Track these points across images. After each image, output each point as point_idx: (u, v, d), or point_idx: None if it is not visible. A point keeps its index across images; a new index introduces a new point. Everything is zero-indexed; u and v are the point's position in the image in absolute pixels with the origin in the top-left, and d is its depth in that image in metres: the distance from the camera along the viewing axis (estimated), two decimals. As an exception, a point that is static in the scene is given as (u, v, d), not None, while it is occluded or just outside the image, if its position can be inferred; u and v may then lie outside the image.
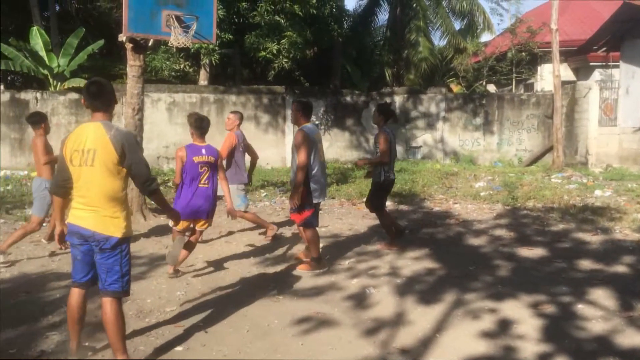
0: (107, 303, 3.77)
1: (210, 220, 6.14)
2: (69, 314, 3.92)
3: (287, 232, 8.54)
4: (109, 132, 3.72)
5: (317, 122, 16.96)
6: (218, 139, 15.33)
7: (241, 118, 7.99)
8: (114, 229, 3.73)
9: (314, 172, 6.19)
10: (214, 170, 6.02)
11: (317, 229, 6.51)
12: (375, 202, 7.40)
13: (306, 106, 6.41)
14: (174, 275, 6.09)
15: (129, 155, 3.74)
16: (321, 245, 7.56)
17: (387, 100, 17.37)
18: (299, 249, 7.39)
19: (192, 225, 6.01)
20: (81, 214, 3.75)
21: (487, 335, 4.55)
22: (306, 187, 6.17)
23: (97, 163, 3.68)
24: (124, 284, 3.84)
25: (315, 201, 6.27)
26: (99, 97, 3.85)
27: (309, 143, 6.07)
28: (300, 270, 6.36)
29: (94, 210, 3.72)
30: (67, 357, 4.02)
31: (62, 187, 3.88)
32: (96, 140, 3.70)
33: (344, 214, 9.96)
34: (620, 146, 16.38)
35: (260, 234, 8.16)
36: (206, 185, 5.94)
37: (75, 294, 3.91)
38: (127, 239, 3.86)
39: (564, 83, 16.66)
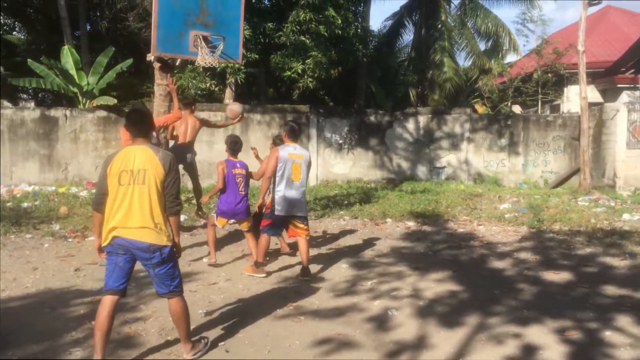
0: (178, 301, 4.30)
1: (250, 218, 7.52)
2: (98, 324, 4.08)
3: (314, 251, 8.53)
4: (157, 153, 4.22)
5: (340, 142, 17.00)
6: (243, 156, 15.38)
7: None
8: (166, 239, 4.17)
9: (278, 187, 6.85)
10: (247, 179, 7.48)
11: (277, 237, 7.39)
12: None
13: (291, 129, 7.07)
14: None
15: (171, 174, 4.23)
16: (344, 265, 7.59)
17: (411, 120, 17.35)
18: (321, 269, 7.38)
19: (229, 223, 7.51)
20: (133, 229, 4.08)
21: (512, 361, 4.47)
22: (272, 200, 6.91)
23: (148, 181, 4.12)
24: (182, 284, 4.40)
25: (276, 214, 6.83)
26: (141, 124, 4.31)
27: (275, 159, 6.81)
28: (246, 272, 7.03)
29: (146, 225, 4.09)
30: None
31: (101, 203, 4.21)
32: (146, 161, 4.15)
33: (367, 234, 9.91)
34: (649, 169, 16.07)
35: None
36: (243, 192, 7.38)
37: (108, 301, 4.13)
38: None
39: (591, 105, 16.45)
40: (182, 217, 10.37)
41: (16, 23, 24.77)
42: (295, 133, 7.07)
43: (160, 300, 5.76)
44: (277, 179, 6.83)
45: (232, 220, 7.47)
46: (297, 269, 7.29)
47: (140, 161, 4.13)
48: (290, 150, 6.90)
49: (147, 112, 4.47)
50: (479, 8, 22.82)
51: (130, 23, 20.68)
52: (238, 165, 7.43)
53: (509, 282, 6.86)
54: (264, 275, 6.92)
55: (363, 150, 17.30)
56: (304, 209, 7.05)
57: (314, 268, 7.40)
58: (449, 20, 22.27)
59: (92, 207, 4.36)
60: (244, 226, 7.51)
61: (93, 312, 5.43)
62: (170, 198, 4.24)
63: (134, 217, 4.07)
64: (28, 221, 10.12)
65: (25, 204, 11.93)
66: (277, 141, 7.93)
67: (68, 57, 17.35)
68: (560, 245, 9.04)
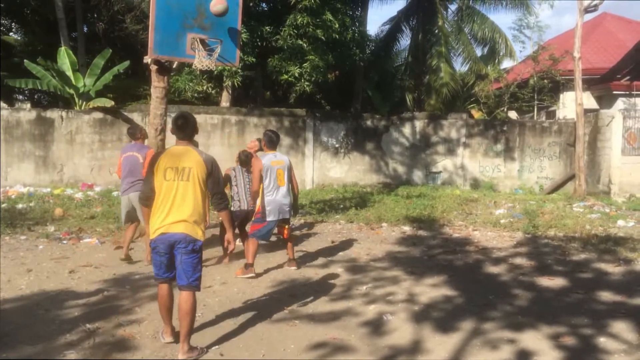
0: (189, 296, 4.49)
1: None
2: (162, 303, 4.65)
3: (305, 256, 8.53)
4: (201, 154, 4.62)
5: (337, 145, 17.03)
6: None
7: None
8: (201, 233, 4.54)
9: (267, 194, 7.15)
10: None
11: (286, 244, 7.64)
12: None
13: (269, 138, 7.34)
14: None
15: (214, 174, 4.64)
16: (339, 269, 7.60)
17: (407, 124, 17.38)
18: (316, 273, 7.38)
19: None
20: (174, 224, 4.41)
21: (506, 366, 4.47)
22: (262, 206, 7.17)
23: (192, 179, 4.48)
24: (200, 281, 4.63)
25: (268, 219, 7.15)
26: (185, 129, 4.69)
27: (259, 170, 7.09)
28: (236, 275, 7.12)
29: (186, 219, 4.43)
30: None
31: (148, 199, 4.58)
32: (191, 160, 4.52)
33: (362, 239, 9.92)
34: (644, 176, 16.13)
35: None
36: None
37: (165, 286, 4.63)
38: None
39: (586, 111, 16.52)
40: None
41: (13, 24, 24.74)
42: (274, 142, 7.35)
43: (155, 304, 5.75)
44: (265, 186, 7.16)
45: None
46: (293, 273, 7.37)
47: (186, 160, 4.50)
48: (271, 158, 7.25)
49: (191, 117, 4.80)
50: (475, 14, 22.87)
51: (128, 25, 20.68)
52: None
53: (504, 288, 6.87)
54: (252, 275, 7.08)
55: (359, 154, 17.32)
56: (290, 212, 7.47)
57: (310, 272, 7.42)
58: (446, 26, 22.30)
59: (140, 202, 4.82)
60: None
61: (88, 314, 5.45)
62: (218, 196, 4.73)
63: (176, 211, 4.42)
64: (23, 223, 10.10)
65: (20, 206, 11.90)
66: (242, 157, 8.08)
67: (65, 59, 17.32)
68: (555, 251, 9.06)
